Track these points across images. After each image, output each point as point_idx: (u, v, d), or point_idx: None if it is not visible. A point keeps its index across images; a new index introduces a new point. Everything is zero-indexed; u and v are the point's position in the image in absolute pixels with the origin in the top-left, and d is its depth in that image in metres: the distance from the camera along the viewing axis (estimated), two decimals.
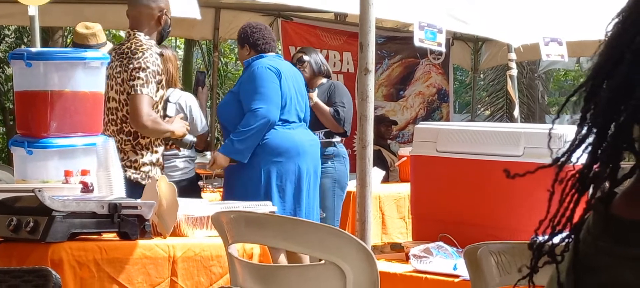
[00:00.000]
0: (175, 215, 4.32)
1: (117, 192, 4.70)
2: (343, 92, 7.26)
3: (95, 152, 4.83)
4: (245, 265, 3.66)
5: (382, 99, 10.78)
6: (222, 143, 7.05)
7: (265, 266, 3.98)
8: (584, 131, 1.09)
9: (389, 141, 10.16)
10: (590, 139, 1.09)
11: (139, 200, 4.41)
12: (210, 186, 7.29)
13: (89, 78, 5.01)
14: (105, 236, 4.30)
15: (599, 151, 1.08)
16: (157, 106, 5.26)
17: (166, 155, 6.37)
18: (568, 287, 1.09)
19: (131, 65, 5.13)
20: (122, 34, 15.39)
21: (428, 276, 3.73)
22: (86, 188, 4.65)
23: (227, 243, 3.65)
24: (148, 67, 5.12)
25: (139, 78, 5.12)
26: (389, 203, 7.54)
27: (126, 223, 4.18)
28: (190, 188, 6.39)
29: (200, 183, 6.94)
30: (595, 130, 1.08)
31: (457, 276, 3.63)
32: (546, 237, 1.13)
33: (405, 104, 11.03)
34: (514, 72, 8.65)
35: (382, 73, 10.78)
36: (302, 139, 6.26)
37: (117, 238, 4.25)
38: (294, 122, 6.22)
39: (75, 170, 4.72)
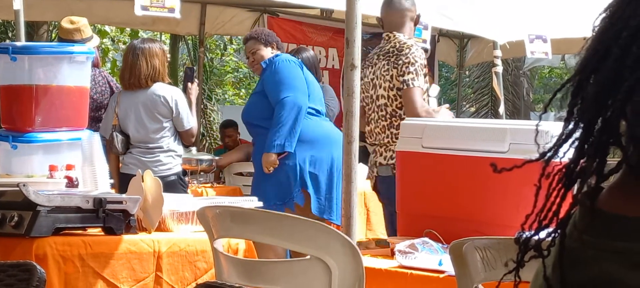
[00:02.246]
0: (160, 210, 4.32)
1: (102, 186, 4.69)
2: (331, 94, 7.31)
3: (80, 146, 4.83)
4: (230, 260, 3.65)
5: None
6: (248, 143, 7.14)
7: (250, 261, 3.98)
8: (570, 126, 1.09)
9: None
10: (577, 134, 1.09)
11: (123, 195, 4.40)
12: (195, 182, 7.28)
13: (75, 72, 5.00)
14: (90, 231, 4.29)
15: (586, 146, 1.08)
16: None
17: (150, 149, 6.37)
18: (554, 281, 1.09)
19: (400, 61, 5.56)
20: (108, 28, 15.37)
21: (413, 271, 3.73)
22: (71, 183, 4.64)
23: (213, 238, 3.64)
24: (416, 61, 5.54)
25: (409, 72, 5.50)
26: (374, 199, 7.54)
27: (111, 218, 4.17)
28: (175, 183, 6.37)
29: (187, 179, 6.91)
30: (582, 125, 1.08)
31: (443, 271, 3.63)
32: (532, 231, 1.13)
33: None
34: (499, 69, 8.67)
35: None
36: (332, 128, 6.33)
37: (102, 233, 4.25)
38: (321, 112, 6.30)
39: (60, 165, 4.71)
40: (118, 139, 6.37)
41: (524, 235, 1.14)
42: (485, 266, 2.93)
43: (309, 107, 6.15)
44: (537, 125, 1.19)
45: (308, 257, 3.42)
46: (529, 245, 1.14)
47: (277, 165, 6.10)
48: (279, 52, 6.37)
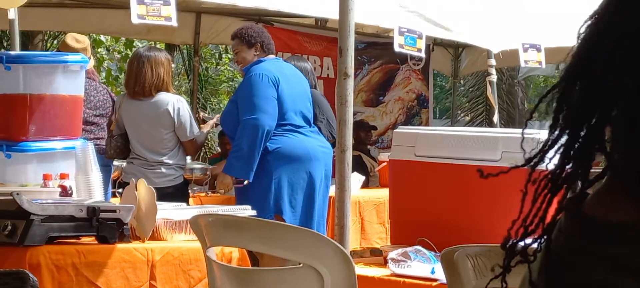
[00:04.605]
0: (153, 218, 4.32)
1: (96, 195, 4.69)
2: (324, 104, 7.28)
3: (74, 155, 4.83)
4: (223, 269, 3.66)
5: (361, 104, 10.79)
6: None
7: (244, 269, 3.98)
8: (556, 132, 1.10)
9: (368, 146, 10.17)
10: (562, 140, 1.10)
11: (117, 204, 4.40)
12: (189, 191, 7.25)
13: (69, 82, 5.01)
14: (84, 240, 4.29)
15: (571, 152, 1.09)
16: None
17: (151, 162, 6.34)
18: (540, 286, 1.09)
19: None
20: (103, 38, 15.37)
21: (406, 280, 3.74)
22: (65, 191, 4.64)
23: (206, 247, 3.65)
24: None
25: None
26: (368, 208, 7.55)
27: (104, 226, 4.17)
28: (177, 194, 6.24)
29: (190, 190, 6.87)
30: (567, 132, 1.09)
31: (435, 280, 3.64)
32: (519, 237, 1.14)
33: (385, 109, 11.05)
34: (494, 78, 8.68)
35: (362, 78, 10.79)
36: (314, 144, 6.15)
37: (96, 242, 4.25)
38: (302, 126, 6.11)
39: (54, 174, 4.71)
40: (111, 144, 6.37)
41: (511, 241, 1.15)
42: (477, 274, 2.94)
43: (288, 124, 6.04)
44: (523, 131, 1.20)
45: (301, 265, 3.43)
46: (515, 250, 1.15)
47: (231, 189, 6.02)
48: (264, 56, 6.19)
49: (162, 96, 6.31)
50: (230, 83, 20.53)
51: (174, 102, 6.33)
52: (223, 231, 3.53)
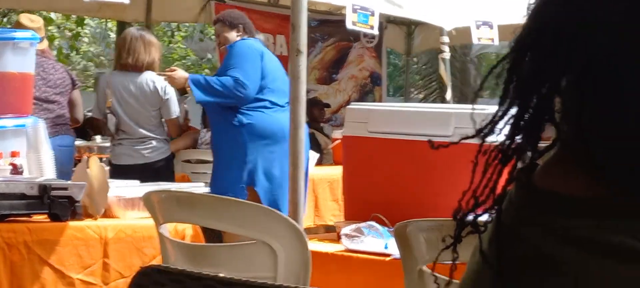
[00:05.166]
0: (106, 196, 4.29)
1: (47, 173, 4.66)
2: None
3: (25, 133, 4.79)
4: (176, 245, 3.65)
5: (315, 82, 10.78)
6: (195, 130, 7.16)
7: (197, 245, 3.97)
8: (506, 104, 1.10)
9: (322, 124, 10.18)
10: (513, 111, 1.10)
11: (68, 182, 4.37)
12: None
13: (18, 58, 4.96)
14: (36, 218, 4.26)
15: (521, 123, 1.09)
16: None
17: (141, 137, 6.42)
18: (490, 256, 1.10)
19: None
20: (54, 16, 15.20)
21: (359, 255, 3.74)
22: (15, 170, 4.61)
23: (159, 224, 3.63)
24: None
25: None
26: (322, 185, 7.56)
27: (56, 204, 4.14)
28: (167, 167, 6.53)
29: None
30: (517, 102, 1.09)
31: (389, 254, 3.65)
32: (469, 208, 1.14)
33: (338, 87, 11.05)
34: (447, 55, 8.71)
35: (316, 56, 10.78)
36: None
37: (48, 219, 4.22)
38: (280, 104, 6.13)
39: (5, 152, 4.67)
40: (112, 121, 6.42)
41: (461, 212, 1.15)
42: (430, 248, 2.95)
43: (266, 100, 6.09)
44: (472, 105, 1.19)
45: (254, 241, 3.42)
46: (465, 221, 1.15)
47: (174, 82, 6.17)
48: (246, 36, 6.28)
49: (150, 74, 6.45)
50: (183, 61, 20.43)
51: (161, 81, 6.45)
52: (176, 208, 3.52)
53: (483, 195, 1.13)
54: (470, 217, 1.15)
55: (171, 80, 6.28)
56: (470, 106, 1.11)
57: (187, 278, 2.31)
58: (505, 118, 1.12)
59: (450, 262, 1.22)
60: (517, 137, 1.11)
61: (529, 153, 1.11)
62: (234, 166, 6.01)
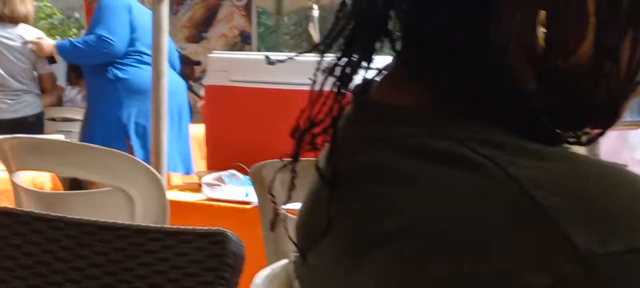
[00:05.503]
0: None
1: None
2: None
3: None
4: (30, 194, 3.56)
5: (184, 40, 10.70)
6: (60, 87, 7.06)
7: (51, 194, 3.88)
8: (342, 20, 1.09)
9: (191, 83, 10.10)
10: (350, 27, 1.09)
11: None
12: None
13: None
14: None
15: (357, 38, 1.08)
16: None
17: (16, 90, 6.32)
18: (326, 171, 1.09)
19: None
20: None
21: (220, 204, 3.72)
22: None
23: (11, 172, 3.54)
24: None
25: None
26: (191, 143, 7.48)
27: None
28: (38, 124, 6.48)
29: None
30: (354, 20, 1.08)
31: (249, 202, 3.63)
32: (307, 126, 1.13)
33: (208, 45, 10.98)
34: (316, 13, 8.72)
35: (185, 14, 10.69)
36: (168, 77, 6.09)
37: None
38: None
39: None
40: None
41: (299, 130, 1.14)
42: (286, 188, 2.93)
43: (141, 52, 5.96)
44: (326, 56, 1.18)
45: (110, 188, 3.36)
46: (303, 139, 1.14)
47: (42, 51, 6.13)
48: None
49: (26, 27, 6.41)
50: (49, 20, 20.00)
51: (36, 34, 6.44)
52: (28, 154, 3.43)
53: (321, 112, 1.12)
54: (309, 133, 1.14)
55: (39, 49, 6.20)
56: (333, 55, 1.10)
57: (34, 220, 2.25)
58: (342, 35, 1.12)
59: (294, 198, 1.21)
60: (353, 55, 1.10)
61: (365, 70, 1.10)
62: (109, 120, 5.92)
